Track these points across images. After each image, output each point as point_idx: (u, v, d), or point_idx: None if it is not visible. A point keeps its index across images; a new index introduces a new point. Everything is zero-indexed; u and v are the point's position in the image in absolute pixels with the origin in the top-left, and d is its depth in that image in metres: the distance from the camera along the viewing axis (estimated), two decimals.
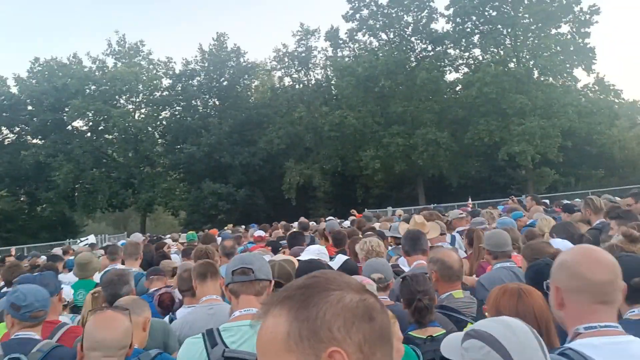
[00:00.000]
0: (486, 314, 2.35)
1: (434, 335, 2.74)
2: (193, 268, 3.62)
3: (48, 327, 3.15)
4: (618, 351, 1.58)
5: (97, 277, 5.23)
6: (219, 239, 9.67)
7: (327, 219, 13.22)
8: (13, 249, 15.02)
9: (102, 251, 8.51)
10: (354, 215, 12.72)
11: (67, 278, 5.98)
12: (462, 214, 8.56)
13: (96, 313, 2.36)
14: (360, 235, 5.91)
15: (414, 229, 4.81)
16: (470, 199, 16.51)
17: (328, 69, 38.92)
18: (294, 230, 8.07)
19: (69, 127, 38.60)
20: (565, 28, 32.00)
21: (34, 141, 38.93)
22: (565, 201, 11.84)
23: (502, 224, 5.82)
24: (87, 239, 14.07)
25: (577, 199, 14.63)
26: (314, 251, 4.56)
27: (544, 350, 1.42)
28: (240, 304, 2.31)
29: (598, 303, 1.69)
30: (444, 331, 2.74)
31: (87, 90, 37.21)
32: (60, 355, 2.65)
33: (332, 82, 38.39)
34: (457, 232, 6.70)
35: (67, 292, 4.53)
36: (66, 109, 36.31)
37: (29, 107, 37.72)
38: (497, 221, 6.51)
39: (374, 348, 0.93)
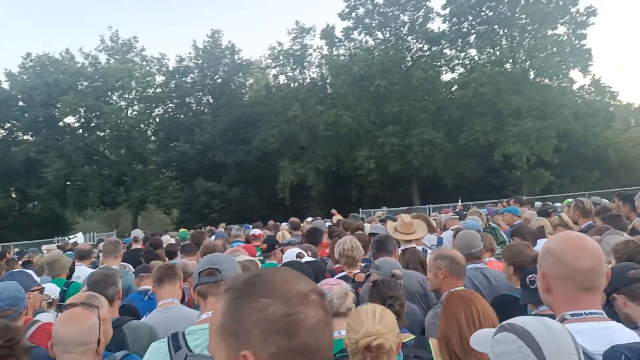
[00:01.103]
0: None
1: (404, 341, 2.57)
2: (153, 272, 3.55)
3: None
4: (600, 336, 1.62)
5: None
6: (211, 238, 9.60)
7: (309, 219, 13.32)
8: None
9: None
10: (333, 215, 12.64)
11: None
12: (451, 214, 8.70)
13: (64, 311, 2.37)
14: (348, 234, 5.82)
15: (381, 235, 4.68)
16: (460, 201, 16.32)
17: (323, 68, 38.65)
18: (312, 227, 7.89)
19: (61, 124, 38.18)
20: (561, 29, 31.96)
21: (25, 137, 38.51)
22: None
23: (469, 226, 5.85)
24: (75, 237, 13.79)
25: (557, 203, 14.60)
26: (292, 254, 4.57)
27: (581, 355, 1.36)
28: (208, 306, 2.24)
29: (583, 289, 1.73)
30: (414, 337, 2.64)
31: (79, 86, 36.79)
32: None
33: (328, 80, 38.17)
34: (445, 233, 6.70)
35: (53, 290, 4.37)
36: (58, 105, 35.94)
37: (20, 103, 37.20)
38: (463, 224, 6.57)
39: None
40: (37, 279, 3.94)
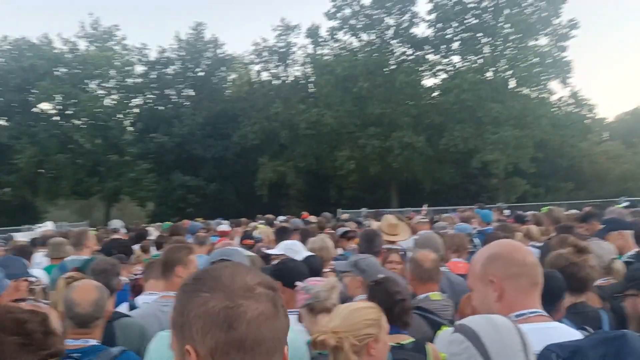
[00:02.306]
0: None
1: (402, 342, 2.54)
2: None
3: None
4: (542, 336, 1.65)
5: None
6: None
7: (281, 217, 13.54)
8: None
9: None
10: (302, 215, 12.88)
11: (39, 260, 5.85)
12: (420, 217, 8.95)
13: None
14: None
15: (370, 229, 4.83)
16: (425, 206, 16.42)
17: (307, 66, 38.50)
18: (283, 225, 7.96)
19: (35, 109, 37.13)
20: (543, 40, 32.41)
21: None
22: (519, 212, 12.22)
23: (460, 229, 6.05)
24: (45, 225, 13.40)
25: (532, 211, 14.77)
26: (284, 247, 4.46)
27: (528, 351, 1.42)
28: None
29: (533, 285, 1.81)
30: (413, 339, 2.57)
31: (56, 72, 35.88)
32: None
33: (311, 79, 38.01)
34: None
35: (41, 275, 4.31)
36: (33, 91, 34.97)
37: None
38: (455, 227, 6.71)
39: (226, 357, 0.94)
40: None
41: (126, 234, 9.52)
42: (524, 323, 1.68)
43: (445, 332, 1.73)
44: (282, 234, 6.11)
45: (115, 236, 8.52)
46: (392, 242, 5.15)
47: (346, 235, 6.23)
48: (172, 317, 1.02)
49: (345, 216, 14.81)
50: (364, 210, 20.45)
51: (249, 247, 5.78)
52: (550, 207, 8.52)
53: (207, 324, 0.94)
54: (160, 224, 14.56)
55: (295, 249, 4.50)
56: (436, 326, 2.89)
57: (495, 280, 1.81)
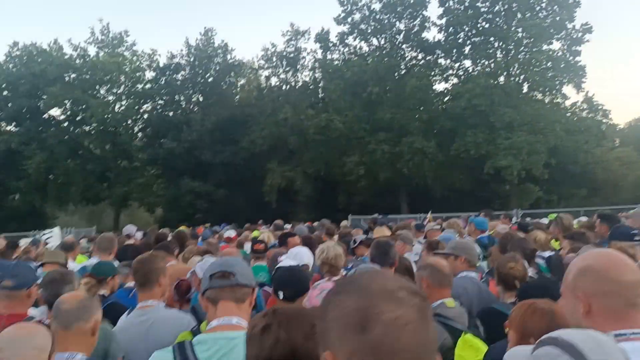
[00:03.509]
0: (506, 330, 2.22)
1: None
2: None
3: (14, 322, 2.79)
4: None
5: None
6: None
7: (287, 226, 13.12)
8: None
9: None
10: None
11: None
12: (434, 224, 8.78)
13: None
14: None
15: (384, 239, 4.74)
16: (430, 213, 15.95)
17: (316, 71, 38.31)
18: (286, 231, 7.87)
19: (45, 115, 37.28)
20: (556, 45, 31.95)
21: (8, 128, 37.56)
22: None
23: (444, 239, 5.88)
24: (51, 232, 13.17)
25: (544, 219, 14.44)
26: (294, 255, 4.57)
27: None
28: (219, 312, 2.06)
29: (629, 306, 1.64)
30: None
31: (66, 78, 36.03)
32: None
33: (320, 84, 37.80)
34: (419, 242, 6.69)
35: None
36: (43, 97, 35.08)
37: (5, 92, 36.30)
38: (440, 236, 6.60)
39: None
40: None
41: (140, 239, 9.40)
42: (624, 342, 1.57)
43: (516, 350, 1.59)
44: (284, 240, 6.10)
45: (129, 242, 8.59)
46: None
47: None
48: (317, 322, 0.98)
49: (344, 223, 14.45)
50: (376, 216, 20.08)
51: (261, 252, 5.52)
52: (560, 214, 8.21)
53: (341, 326, 0.89)
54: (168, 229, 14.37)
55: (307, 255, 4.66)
56: (456, 333, 2.77)
57: (581, 296, 1.69)
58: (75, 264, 5.54)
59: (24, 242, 10.53)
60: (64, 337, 2.36)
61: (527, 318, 2.15)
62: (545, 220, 10.99)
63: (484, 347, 2.60)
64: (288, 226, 13.04)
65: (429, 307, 0.94)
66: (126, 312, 3.35)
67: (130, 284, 4.27)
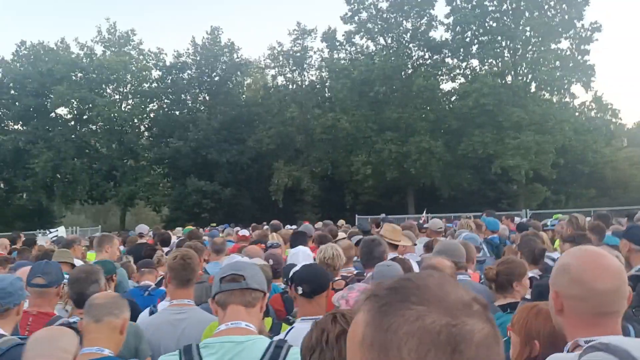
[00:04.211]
0: (509, 334, 2.17)
1: None
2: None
3: (41, 320, 3.05)
4: None
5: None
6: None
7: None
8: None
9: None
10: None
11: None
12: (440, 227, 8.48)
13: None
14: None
15: (368, 238, 4.65)
16: (425, 212, 15.77)
17: (323, 71, 38.18)
18: (298, 230, 7.82)
19: (52, 114, 37.40)
20: (565, 44, 31.72)
21: (15, 127, 37.67)
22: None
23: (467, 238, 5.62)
24: (56, 231, 13.15)
25: (548, 220, 14.40)
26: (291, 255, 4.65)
27: None
28: (227, 316, 2.05)
29: (600, 314, 1.56)
30: None
31: (73, 77, 36.02)
32: (16, 355, 2.36)
33: (327, 84, 37.67)
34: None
35: None
36: (50, 95, 35.15)
37: (12, 92, 36.40)
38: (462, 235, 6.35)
39: None
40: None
41: (152, 238, 9.53)
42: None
43: (559, 356, 1.55)
44: (295, 240, 5.98)
45: (142, 240, 8.72)
46: (396, 247, 5.11)
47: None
48: (364, 334, 0.79)
49: (341, 222, 14.39)
50: (382, 215, 19.94)
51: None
52: (574, 214, 8.07)
53: (424, 344, 0.74)
54: (180, 228, 14.70)
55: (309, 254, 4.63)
56: None
57: (554, 295, 1.66)
58: (77, 261, 5.47)
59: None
60: (94, 330, 2.40)
61: (531, 320, 2.10)
62: (548, 221, 10.96)
63: None
64: (290, 227, 13.03)
65: (494, 318, 0.82)
66: (146, 310, 3.38)
67: (147, 282, 4.36)
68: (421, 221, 12.50)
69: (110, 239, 5.60)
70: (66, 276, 3.53)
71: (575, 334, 1.58)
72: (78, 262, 5.40)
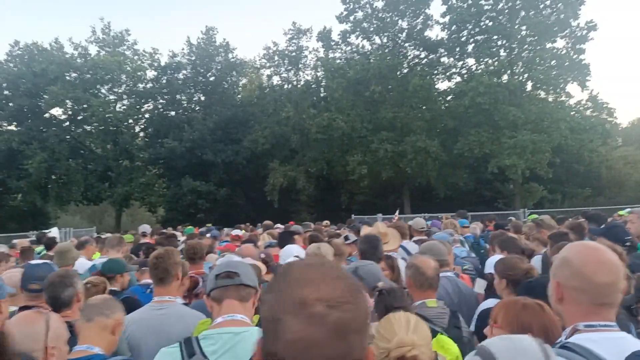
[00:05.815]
0: (493, 330, 2.21)
1: None
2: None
3: None
4: (615, 345, 1.62)
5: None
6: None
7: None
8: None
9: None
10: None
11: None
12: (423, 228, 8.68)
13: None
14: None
15: (371, 234, 4.78)
16: (397, 212, 15.61)
17: (318, 70, 38.08)
18: (287, 230, 7.93)
19: (46, 115, 37.05)
20: (561, 42, 31.65)
21: (9, 127, 37.37)
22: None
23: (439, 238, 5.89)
24: (49, 232, 12.97)
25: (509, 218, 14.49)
26: (291, 253, 4.70)
27: None
28: (223, 310, 2.15)
29: (598, 304, 1.71)
30: None
31: (68, 77, 35.75)
32: None
33: (322, 83, 37.56)
34: (414, 241, 6.64)
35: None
36: (44, 96, 34.89)
37: (5, 92, 36.08)
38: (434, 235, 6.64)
39: None
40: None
41: (154, 238, 9.63)
42: (593, 332, 1.68)
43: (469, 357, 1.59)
44: (283, 240, 6.10)
45: (144, 240, 8.98)
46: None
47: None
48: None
49: (326, 223, 14.32)
50: (379, 216, 19.85)
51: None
52: (541, 216, 8.52)
53: (262, 325, 0.86)
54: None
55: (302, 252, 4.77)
56: (432, 334, 2.76)
57: (555, 285, 1.82)
58: (86, 261, 5.73)
59: (17, 242, 10.56)
60: (86, 329, 2.48)
61: (520, 314, 2.15)
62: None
63: (454, 349, 2.67)
64: (279, 225, 12.97)
65: (359, 319, 0.83)
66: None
67: (147, 280, 4.45)
68: (394, 221, 12.52)
69: (121, 240, 6.01)
70: None
71: (574, 321, 1.75)
72: (87, 263, 5.61)
